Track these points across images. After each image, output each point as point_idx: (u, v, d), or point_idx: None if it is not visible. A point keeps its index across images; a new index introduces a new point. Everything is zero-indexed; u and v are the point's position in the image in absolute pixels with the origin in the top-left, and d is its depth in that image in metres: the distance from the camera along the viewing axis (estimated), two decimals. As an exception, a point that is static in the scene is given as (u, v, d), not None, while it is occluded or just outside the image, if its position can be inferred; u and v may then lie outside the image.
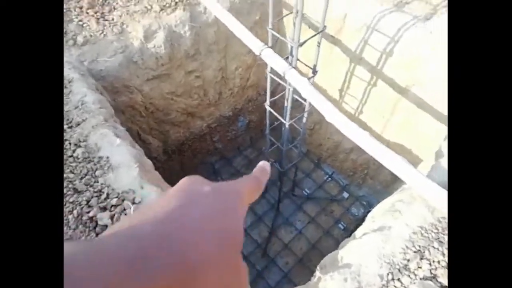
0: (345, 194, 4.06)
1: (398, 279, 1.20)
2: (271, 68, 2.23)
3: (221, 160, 4.27)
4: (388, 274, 1.22)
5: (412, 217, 1.40)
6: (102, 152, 1.57)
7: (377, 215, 1.52)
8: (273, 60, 1.96)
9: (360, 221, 3.86)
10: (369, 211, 3.86)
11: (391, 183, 3.44)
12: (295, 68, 1.97)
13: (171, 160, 3.46)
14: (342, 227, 3.77)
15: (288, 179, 4.11)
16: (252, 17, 3.18)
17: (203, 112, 3.48)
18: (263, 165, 0.39)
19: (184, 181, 0.28)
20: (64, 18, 2.26)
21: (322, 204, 3.97)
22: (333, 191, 4.11)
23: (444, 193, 1.35)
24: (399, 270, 1.22)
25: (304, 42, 1.87)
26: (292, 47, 1.99)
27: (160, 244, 0.21)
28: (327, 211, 3.93)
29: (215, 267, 0.22)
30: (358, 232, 1.53)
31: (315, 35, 1.86)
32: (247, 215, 3.95)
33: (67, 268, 0.17)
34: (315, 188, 4.14)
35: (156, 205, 0.25)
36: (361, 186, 4.00)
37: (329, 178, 4.20)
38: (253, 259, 3.53)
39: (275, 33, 1.90)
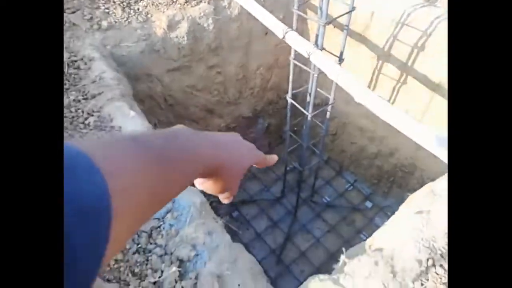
0: (369, 204, 3.80)
1: (441, 265, 1.01)
2: (295, 55, 2.15)
3: (239, 163, 4.16)
4: (428, 260, 1.03)
5: (455, 201, 1.21)
6: (115, 122, 1.52)
7: (413, 201, 1.34)
8: (297, 43, 1.87)
9: (384, 233, 3.57)
10: (395, 222, 3.58)
11: (420, 192, 3.18)
12: (321, 50, 1.88)
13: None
14: (364, 238, 3.49)
15: (306, 186, 3.92)
16: (275, 16, 3.16)
17: (222, 110, 3.42)
18: (274, 157, 0.57)
19: (235, 134, 0.48)
20: (91, 5, 2.31)
21: (343, 213, 3.73)
22: (355, 200, 3.86)
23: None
24: (441, 255, 1.04)
25: (332, 20, 1.78)
26: (318, 29, 1.90)
27: (218, 151, 0.42)
28: (348, 220, 3.67)
29: (232, 170, 0.43)
30: (391, 218, 1.35)
31: (344, 14, 1.77)
32: (262, 220, 3.77)
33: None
34: (335, 196, 3.91)
35: (221, 135, 0.46)
36: (387, 196, 3.74)
37: (351, 187, 3.97)
38: (266, 265, 3.31)
39: (301, 13, 1.83)
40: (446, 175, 1.48)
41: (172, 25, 2.49)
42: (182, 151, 0.34)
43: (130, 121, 1.56)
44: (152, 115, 2.84)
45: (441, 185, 1.37)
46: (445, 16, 2.39)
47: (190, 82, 2.92)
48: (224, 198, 0.48)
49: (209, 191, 0.44)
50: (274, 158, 0.56)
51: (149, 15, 2.45)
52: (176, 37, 2.54)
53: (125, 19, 2.35)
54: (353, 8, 1.77)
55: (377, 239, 1.23)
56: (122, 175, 0.24)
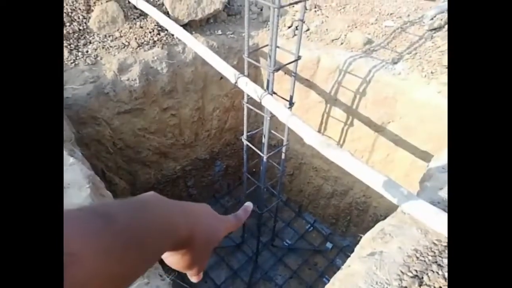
0: (329, 245, 3.78)
1: (398, 312, 0.98)
2: (248, 99, 2.20)
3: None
4: (384, 306, 1.00)
5: (405, 240, 1.23)
6: (49, 170, 1.36)
7: (366, 242, 1.33)
8: (249, 87, 1.93)
9: (346, 274, 3.52)
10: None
11: (376, 229, 3.26)
12: (272, 95, 1.94)
13: (139, 204, 3.15)
14: (327, 282, 3.40)
15: (267, 229, 3.82)
16: (229, 62, 3.28)
17: (177, 153, 3.32)
18: (247, 207, 0.51)
19: (205, 205, 0.44)
20: (35, 46, 2.20)
21: (305, 255, 3.64)
22: (315, 241, 3.83)
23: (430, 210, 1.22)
24: (397, 300, 1.01)
25: (280, 68, 1.87)
26: (269, 75, 1.98)
27: (189, 222, 0.37)
28: (310, 263, 3.59)
29: (202, 244, 0.39)
30: (346, 263, 1.32)
31: (291, 62, 1.88)
32: (222, 270, 3.53)
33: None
34: (296, 239, 3.84)
35: (192, 205, 0.41)
36: (345, 235, 3.77)
37: (311, 227, 3.95)
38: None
39: (251, 60, 1.91)
40: (395, 213, 1.52)
41: (123, 68, 2.44)
42: (151, 225, 0.31)
43: (68, 169, 1.42)
44: (98, 160, 2.65)
45: (390, 223, 1.40)
46: (381, 65, 2.67)
47: (142, 125, 2.81)
48: (193, 275, 0.42)
49: (176, 266, 0.39)
50: (247, 209, 0.50)
51: (98, 58, 2.39)
52: (128, 79, 2.49)
53: (71, 61, 2.26)
54: (299, 57, 1.89)
55: (334, 286, 1.17)
56: (82, 262, 0.23)
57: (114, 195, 2.75)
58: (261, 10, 3.17)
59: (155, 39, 2.64)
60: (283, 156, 2.57)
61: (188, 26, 2.79)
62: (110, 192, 2.03)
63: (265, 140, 2.39)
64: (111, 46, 2.48)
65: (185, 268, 0.39)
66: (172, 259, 0.38)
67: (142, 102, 2.66)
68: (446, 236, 1.18)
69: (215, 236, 0.41)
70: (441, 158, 1.79)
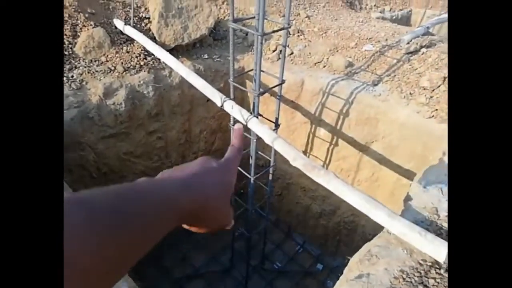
0: (319, 266, 3.72)
1: (387, 337, 0.96)
2: (234, 121, 2.22)
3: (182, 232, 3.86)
4: (374, 331, 0.98)
5: (391, 261, 1.23)
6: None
7: (353, 264, 1.33)
8: (235, 110, 1.96)
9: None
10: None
11: (365, 248, 3.25)
12: (257, 117, 1.97)
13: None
14: (318, 305, 3.33)
15: (256, 252, 3.74)
16: (216, 85, 3.33)
17: (163, 176, 3.27)
18: (238, 130, 0.51)
19: (202, 159, 0.42)
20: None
21: (295, 278, 3.57)
22: (306, 263, 3.76)
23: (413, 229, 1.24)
24: (386, 324, 1.00)
25: (265, 91, 1.91)
26: (254, 99, 2.02)
27: (191, 187, 0.36)
28: (301, 286, 3.51)
29: (217, 200, 0.38)
30: (335, 286, 1.30)
31: (275, 86, 1.93)
32: (211, 296, 3.41)
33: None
34: (286, 261, 3.77)
35: (187, 168, 0.39)
36: (335, 256, 3.73)
37: (301, 249, 3.90)
38: None
39: (236, 84, 1.94)
40: (381, 233, 1.53)
41: (109, 93, 2.44)
42: (141, 205, 0.30)
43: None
44: (82, 185, 2.58)
45: (376, 244, 1.40)
46: (363, 87, 2.77)
47: (128, 149, 2.78)
48: (224, 230, 0.43)
49: (202, 232, 0.39)
50: (239, 132, 0.49)
51: (83, 83, 2.39)
52: (113, 104, 2.48)
53: (56, 86, 2.25)
54: (283, 81, 1.95)
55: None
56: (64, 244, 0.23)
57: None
58: (246, 35, 3.28)
59: (142, 63, 2.67)
60: (270, 177, 2.57)
61: (175, 50, 2.84)
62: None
63: (252, 162, 2.39)
64: (96, 71, 2.48)
65: (212, 230, 0.39)
66: (194, 228, 0.38)
67: (127, 126, 2.64)
68: (431, 255, 1.19)
69: (227, 187, 0.39)
70: (423, 176, 1.83)
